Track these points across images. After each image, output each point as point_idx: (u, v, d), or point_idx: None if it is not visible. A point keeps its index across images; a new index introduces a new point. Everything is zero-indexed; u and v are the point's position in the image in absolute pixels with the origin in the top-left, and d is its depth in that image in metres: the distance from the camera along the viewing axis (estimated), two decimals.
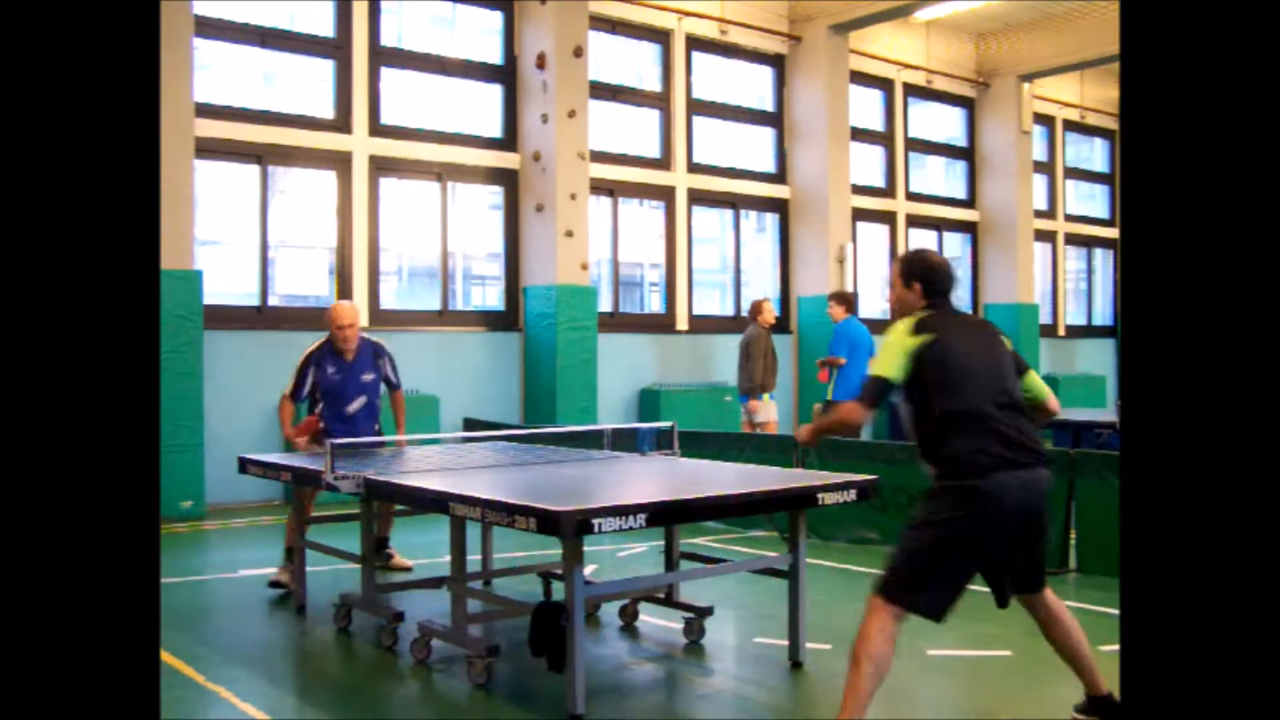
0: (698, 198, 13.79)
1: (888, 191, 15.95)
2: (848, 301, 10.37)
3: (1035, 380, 3.97)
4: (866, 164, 15.63)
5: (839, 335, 10.19)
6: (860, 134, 15.25)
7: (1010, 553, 3.68)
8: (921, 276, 3.88)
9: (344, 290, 10.95)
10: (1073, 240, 19.03)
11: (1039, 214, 17.76)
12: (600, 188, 12.64)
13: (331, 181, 11.00)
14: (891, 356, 3.69)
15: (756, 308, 10.37)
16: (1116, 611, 5.60)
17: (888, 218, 15.91)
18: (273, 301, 10.68)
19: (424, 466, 5.64)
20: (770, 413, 10.20)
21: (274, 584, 6.49)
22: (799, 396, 14.08)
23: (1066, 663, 3.99)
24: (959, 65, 16.49)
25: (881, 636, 3.55)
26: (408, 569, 6.84)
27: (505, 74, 12.09)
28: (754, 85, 14.56)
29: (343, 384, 6.62)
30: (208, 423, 9.53)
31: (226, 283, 10.45)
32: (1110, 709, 3.95)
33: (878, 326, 15.52)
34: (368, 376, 6.72)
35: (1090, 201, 19.79)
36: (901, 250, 16.05)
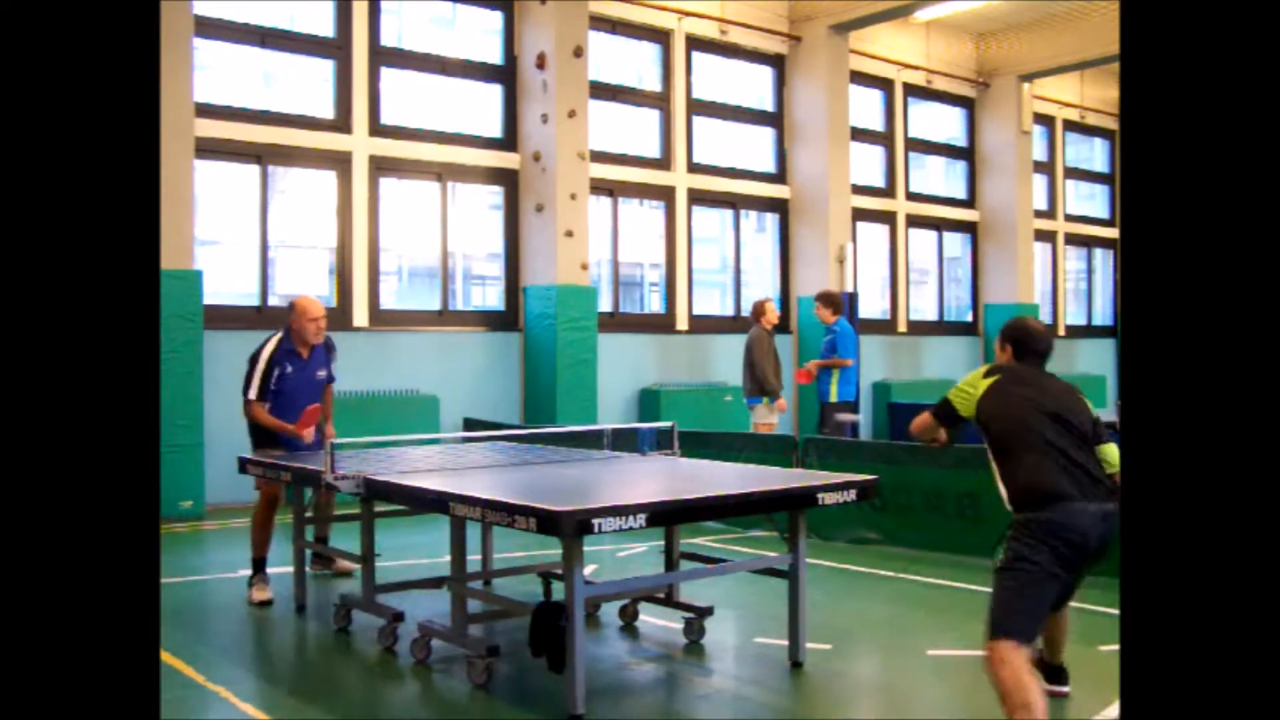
0: (698, 198, 13.79)
1: (888, 191, 15.95)
2: (835, 303, 10.36)
3: (1111, 452, 4.04)
4: (866, 164, 15.63)
5: (842, 336, 10.19)
6: (860, 134, 15.25)
7: (1076, 576, 3.88)
8: (1013, 339, 4.23)
9: (344, 290, 10.95)
10: (1073, 240, 19.03)
11: (1039, 214, 17.76)
12: (600, 188, 12.64)
13: (331, 181, 11.00)
14: (962, 391, 4.12)
15: (760, 308, 10.29)
16: (1116, 611, 5.59)
17: (888, 218, 15.92)
18: (273, 301, 10.67)
19: (424, 466, 5.64)
20: (772, 416, 10.16)
21: (261, 603, 6.22)
22: (799, 397, 14.08)
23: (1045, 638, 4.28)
24: (959, 65, 16.50)
25: (1025, 673, 3.57)
26: (349, 574, 6.77)
27: (505, 74, 12.09)
28: (754, 85, 14.56)
29: (297, 383, 6.49)
30: (208, 423, 9.52)
31: (226, 283, 10.45)
32: (1055, 674, 4.39)
33: (877, 327, 15.62)
34: (320, 374, 6.66)
35: (1090, 201, 19.79)
36: (901, 250, 16.06)
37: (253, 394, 6.39)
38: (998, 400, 3.96)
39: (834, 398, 10.17)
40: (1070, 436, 3.85)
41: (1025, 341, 4.22)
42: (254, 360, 6.47)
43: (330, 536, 7.03)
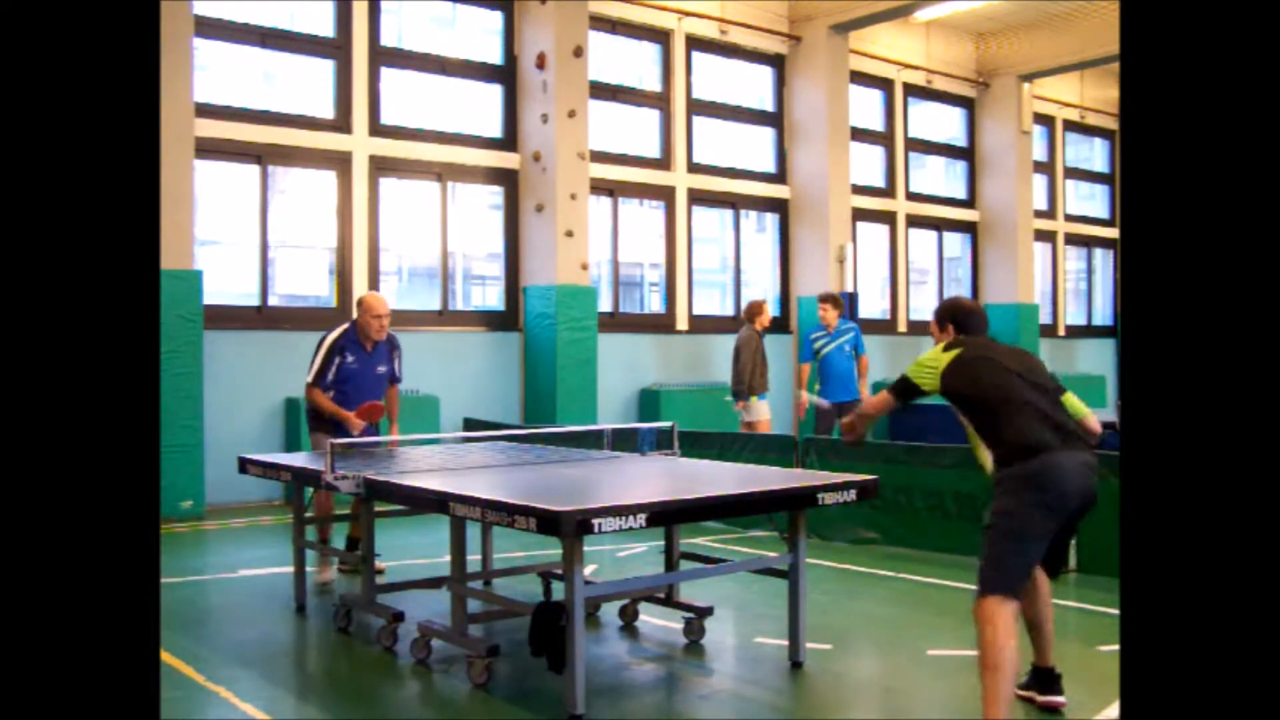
0: (698, 198, 13.79)
1: (888, 191, 15.95)
2: (839, 303, 10.42)
3: (1073, 401, 4.22)
4: (866, 164, 15.63)
5: (857, 335, 10.34)
6: (860, 134, 15.25)
7: (1059, 531, 3.92)
8: (953, 319, 4.30)
9: (344, 290, 10.95)
10: (1073, 240, 19.03)
11: (1039, 214, 17.76)
12: (600, 188, 12.64)
13: (331, 181, 11.00)
14: (923, 368, 4.12)
15: (756, 308, 10.29)
16: (1116, 611, 5.60)
17: (888, 218, 15.92)
18: (273, 301, 10.68)
19: (424, 466, 5.64)
20: (761, 411, 10.20)
21: (322, 584, 6.51)
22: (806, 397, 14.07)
23: (1027, 628, 4.17)
24: (959, 65, 16.50)
25: (1006, 634, 3.68)
26: (381, 573, 6.78)
27: (505, 74, 12.09)
28: (754, 85, 14.55)
29: (360, 374, 6.71)
30: (208, 423, 9.53)
31: (226, 283, 10.44)
32: (1050, 681, 4.32)
33: (877, 327, 15.61)
34: (382, 369, 6.85)
35: (1090, 201, 19.79)
36: (901, 250, 16.06)
37: (310, 378, 6.68)
38: (968, 370, 4.03)
39: (867, 391, 10.27)
40: (1041, 393, 3.97)
41: (965, 319, 4.31)
42: (319, 346, 6.75)
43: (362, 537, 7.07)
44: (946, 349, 4.15)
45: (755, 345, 10.06)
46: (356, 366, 6.71)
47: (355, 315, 6.84)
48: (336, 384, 6.70)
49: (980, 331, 4.30)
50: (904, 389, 4.17)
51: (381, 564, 6.79)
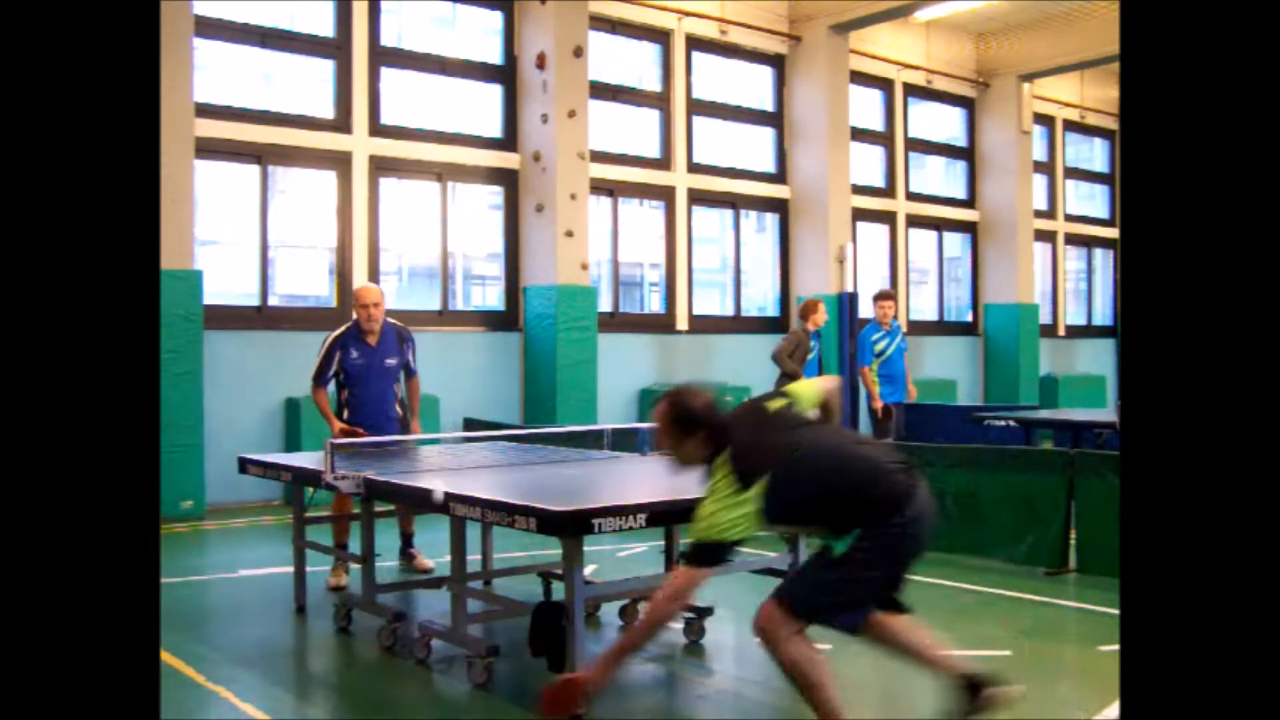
0: (698, 198, 13.79)
1: (888, 191, 15.95)
2: (896, 301, 10.46)
3: (798, 390, 3.79)
4: (866, 164, 15.63)
5: (903, 334, 10.33)
6: (860, 134, 15.25)
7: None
8: (707, 424, 3.52)
9: (344, 290, 10.95)
10: (1073, 240, 19.03)
11: (1039, 214, 17.75)
12: (600, 188, 12.63)
13: (331, 181, 11.00)
14: (738, 518, 3.34)
15: (810, 307, 9.93)
16: (1116, 611, 5.60)
17: (888, 218, 15.92)
18: (273, 301, 10.68)
19: (424, 466, 5.64)
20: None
21: (335, 588, 6.40)
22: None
23: (915, 661, 3.82)
24: (959, 65, 16.50)
25: (801, 645, 3.42)
26: (429, 570, 6.78)
27: (505, 74, 12.09)
28: (754, 85, 14.55)
29: (367, 369, 6.68)
30: (208, 423, 9.53)
31: (226, 283, 10.44)
32: (977, 685, 3.71)
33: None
34: (391, 361, 6.79)
35: (1090, 201, 19.79)
36: (902, 250, 16.05)
37: (312, 375, 6.67)
38: (794, 482, 3.38)
39: (884, 399, 10.22)
40: (864, 450, 3.53)
41: (720, 422, 3.54)
42: (323, 344, 6.73)
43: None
44: (744, 482, 3.34)
45: (796, 341, 9.88)
46: (362, 361, 6.67)
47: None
48: (346, 383, 6.68)
49: (727, 425, 3.51)
50: (719, 555, 3.38)
51: (428, 562, 6.87)
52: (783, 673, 3.44)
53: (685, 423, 3.52)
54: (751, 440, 3.46)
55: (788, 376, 9.88)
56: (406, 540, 7.01)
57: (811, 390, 3.84)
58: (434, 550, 7.02)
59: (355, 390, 6.68)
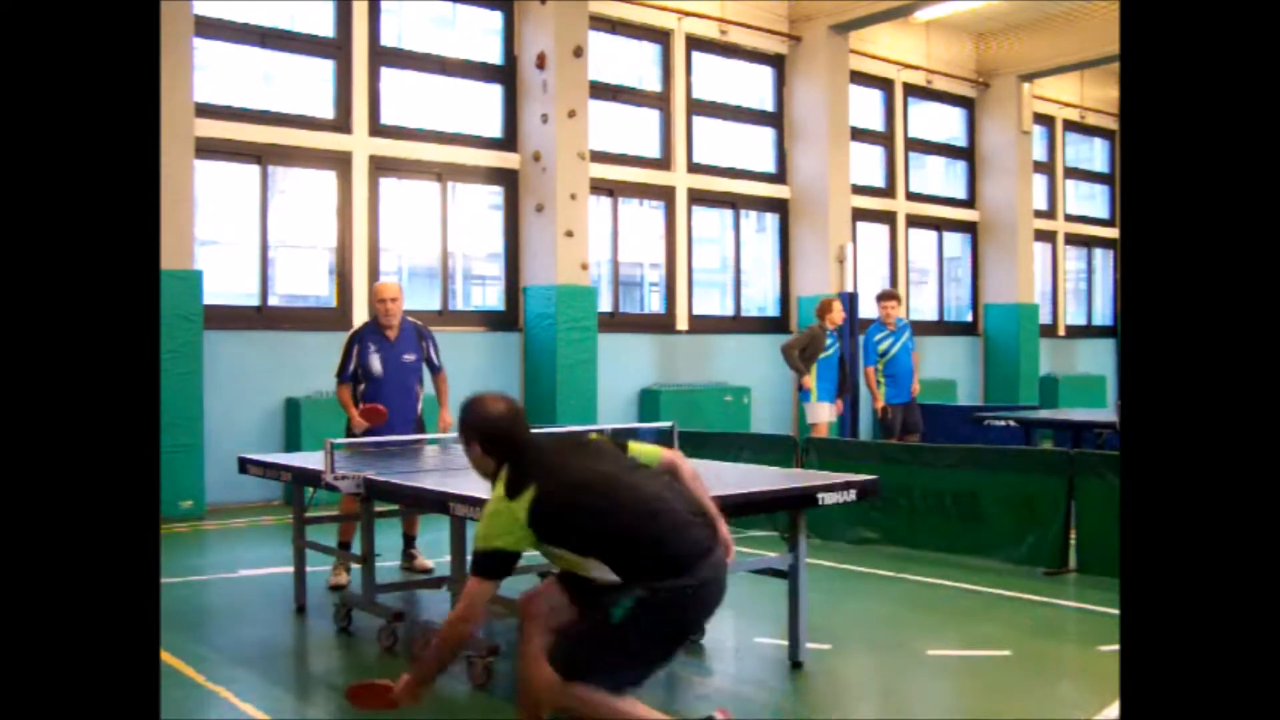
0: (698, 198, 13.79)
1: (888, 191, 15.95)
2: (900, 301, 10.42)
3: (642, 450, 3.59)
4: (866, 164, 15.62)
5: (911, 332, 10.30)
6: (860, 134, 15.25)
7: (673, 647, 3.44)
8: (485, 435, 3.42)
9: (344, 290, 10.95)
10: (1073, 240, 19.03)
11: (1039, 214, 17.76)
12: (600, 188, 12.63)
13: (331, 181, 11.00)
14: (504, 527, 3.24)
15: (826, 306, 9.95)
16: (1116, 611, 5.60)
17: (888, 218, 15.92)
18: (273, 301, 10.68)
19: (424, 466, 5.64)
20: (819, 414, 9.99)
21: (335, 587, 6.39)
22: (798, 398, 14.07)
23: None
24: (959, 65, 16.49)
25: (609, 704, 3.23)
26: (429, 570, 6.78)
27: (505, 74, 12.09)
28: (754, 85, 14.55)
29: (384, 363, 6.72)
30: (208, 423, 9.53)
31: (226, 283, 10.44)
32: None
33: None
34: (409, 357, 6.83)
35: (1090, 201, 19.79)
36: (902, 250, 16.05)
37: (335, 372, 6.78)
38: (553, 514, 3.23)
39: (889, 400, 10.20)
40: (650, 491, 3.33)
41: (498, 431, 3.40)
42: (346, 341, 6.85)
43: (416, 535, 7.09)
44: (511, 491, 3.26)
45: (810, 337, 9.86)
46: (380, 355, 6.72)
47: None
48: (365, 378, 6.72)
49: (518, 443, 3.39)
50: (497, 565, 3.25)
51: (428, 562, 6.86)
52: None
53: (468, 429, 3.45)
54: (535, 455, 3.36)
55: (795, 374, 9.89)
56: (408, 542, 7.01)
57: (651, 452, 3.60)
58: (434, 550, 7.01)
59: (373, 386, 6.72)
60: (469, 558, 3.33)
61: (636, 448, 3.56)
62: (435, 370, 7.03)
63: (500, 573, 3.25)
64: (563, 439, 3.64)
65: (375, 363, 6.71)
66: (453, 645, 3.33)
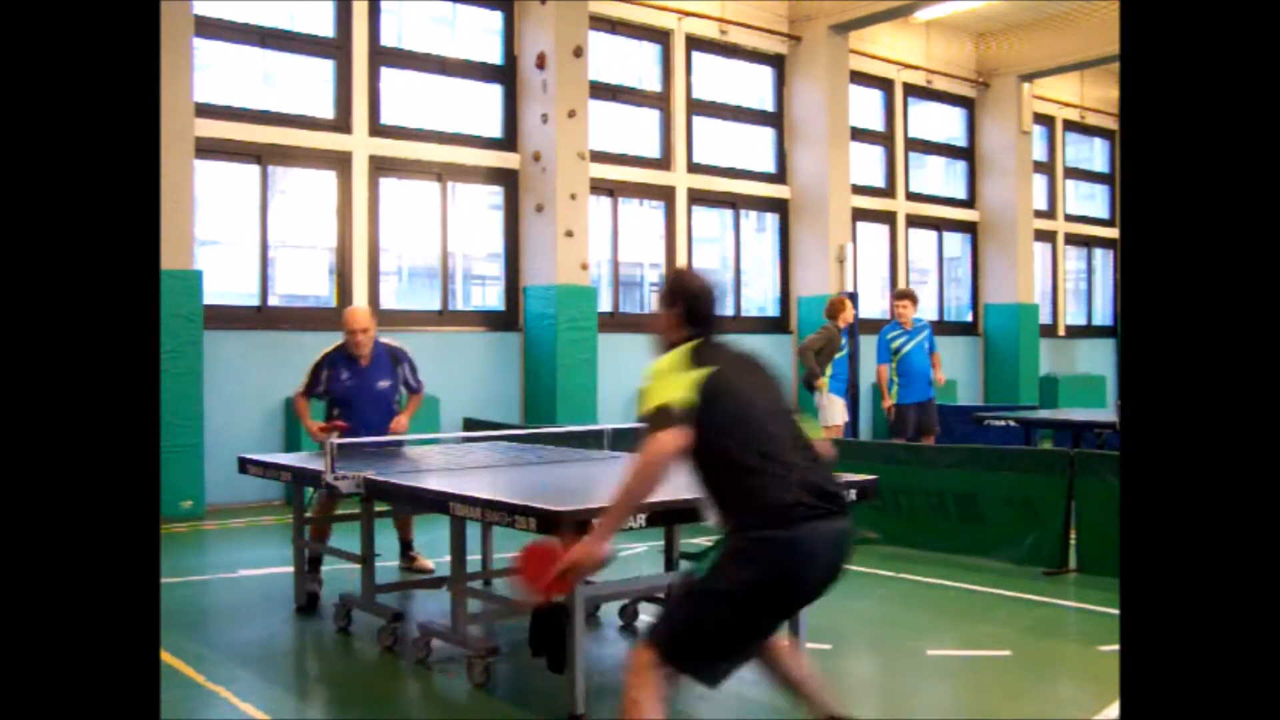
0: (698, 198, 13.79)
1: (888, 191, 15.95)
2: (916, 300, 10.38)
3: (806, 423, 3.50)
4: (866, 164, 15.63)
5: (930, 332, 10.27)
6: (860, 134, 15.25)
7: (800, 606, 3.26)
8: (689, 296, 3.40)
9: (344, 290, 10.95)
10: (1073, 240, 19.03)
11: (1039, 214, 17.76)
12: (600, 188, 12.64)
13: (331, 181, 11.00)
14: (680, 387, 3.17)
15: (838, 305, 9.91)
16: (1116, 611, 5.60)
17: (888, 218, 15.92)
18: (273, 301, 10.68)
19: (424, 466, 5.64)
20: (833, 415, 9.92)
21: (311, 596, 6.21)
22: (798, 398, 14.08)
23: (788, 688, 3.54)
24: (959, 65, 16.50)
25: (654, 701, 3.11)
26: (430, 570, 6.73)
27: (505, 74, 12.09)
28: (754, 85, 14.56)
29: (357, 390, 6.49)
30: (208, 423, 9.53)
31: (226, 283, 10.45)
32: None
33: (877, 326, 15.60)
34: (384, 384, 6.59)
35: (1090, 201, 19.79)
36: (902, 250, 16.06)
37: (299, 389, 6.57)
38: (725, 408, 3.16)
39: (898, 399, 10.16)
40: (786, 429, 3.24)
41: (698, 302, 3.38)
42: (315, 361, 6.63)
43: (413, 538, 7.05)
44: (691, 361, 3.22)
45: (828, 337, 9.83)
46: (352, 383, 6.47)
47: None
48: (336, 404, 6.48)
49: (714, 323, 3.38)
50: (665, 416, 3.13)
51: (429, 562, 6.80)
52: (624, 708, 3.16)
53: (673, 293, 3.41)
54: (725, 346, 3.36)
55: (808, 373, 9.85)
56: (406, 546, 6.96)
57: (815, 428, 3.52)
58: (434, 550, 7.01)
59: (345, 413, 6.45)
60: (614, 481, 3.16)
61: (804, 419, 3.45)
62: (414, 392, 6.79)
63: (676, 422, 3.10)
64: (752, 356, 3.48)
65: (346, 391, 6.47)
66: (639, 496, 3.22)
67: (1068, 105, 18.31)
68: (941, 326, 16.78)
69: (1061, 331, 18.70)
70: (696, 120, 13.81)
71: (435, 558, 6.89)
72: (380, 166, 11.24)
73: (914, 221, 16.31)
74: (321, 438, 6.34)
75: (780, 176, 14.62)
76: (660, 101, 13.48)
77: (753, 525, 3.09)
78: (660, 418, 3.11)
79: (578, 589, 4.11)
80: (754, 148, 14.54)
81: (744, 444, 3.13)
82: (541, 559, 3.28)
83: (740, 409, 3.17)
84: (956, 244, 17.25)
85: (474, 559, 6.07)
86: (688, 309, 3.36)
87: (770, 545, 3.05)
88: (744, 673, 5.04)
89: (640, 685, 3.10)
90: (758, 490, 3.09)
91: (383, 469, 5.38)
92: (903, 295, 10.42)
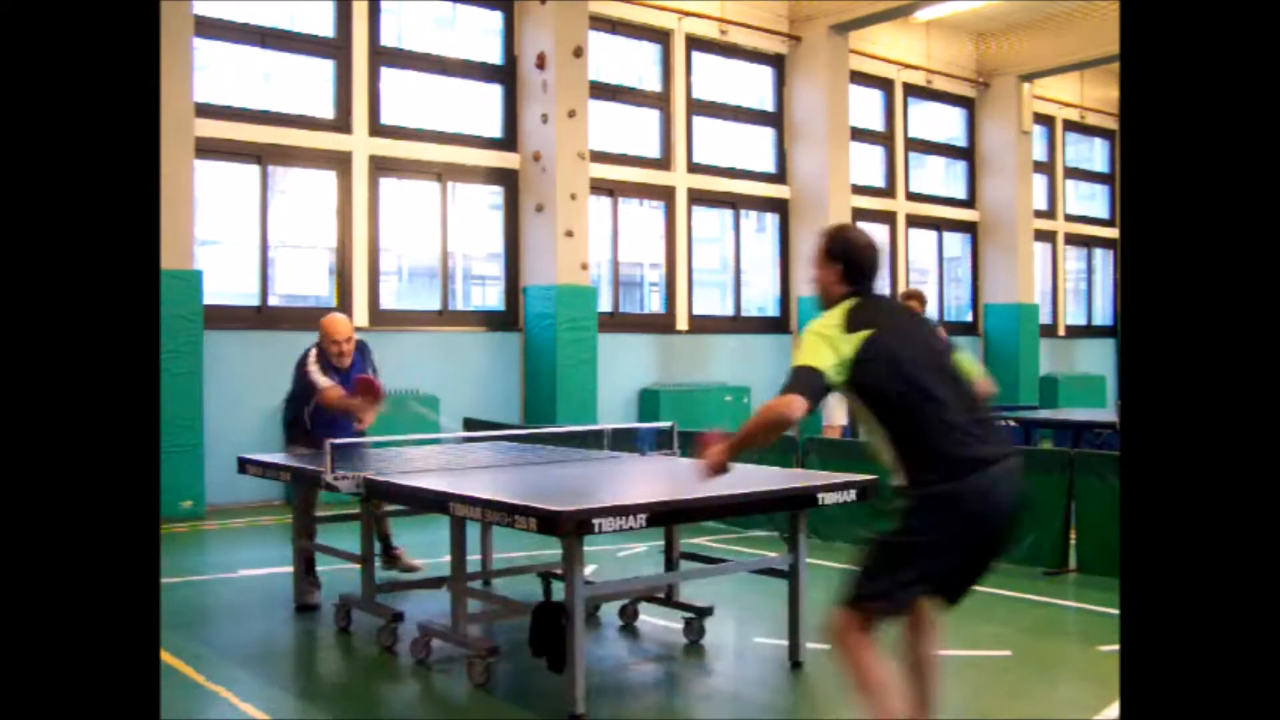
0: (698, 198, 13.79)
1: (888, 191, 15.95)
2: (924, 299, 10.36)
3: (966, 362, 3.56)
4: (866, 164, 15.63)
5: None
6: (860, 134, 15.25)
7: (978, 558, 3.39)
8: (847, 254, 3.44)
9: (344, 290, 10.95)
10: (1073, 240, 19.03)
11: (1039, 214, 17.76)
12: (600, 188, 12.63)
13: (331, 181, 11.00)
14: (830, 351, 3.23)
15: None
16: (1116, 611, 5.60)
17: (888, 218, 15.91)
18: (273, 301, 10.68)
19: (424, 466, 5.64)
20: (836, 414, 9.87)
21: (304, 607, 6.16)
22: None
23: (906, 673, 3.62)
24: (959, 65, 16.49)
25: (870, 657, 3.28)
26: (416, 569, 6.70)
27: (505, 74, 12.09)
28: (754, 85, 14.56)
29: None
30: (208, 423, 9.53)
31: (226, 283, 10.45)
32: None
33: None
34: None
35: (1090, 201, 19.79)
36: (902, 250, 16.05)
37: (325, 382, 6.18)
38: (882, 357, 3.22)
39: None
40: (950, 378, 3.32)
41: (861, 259, 3.44)
42: (302, 364, 6.33)
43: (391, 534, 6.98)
44: (853, 325, 3.27)
45: None
46: (338, 383, 6.30)
47: (318, 338, 6.42)
48: (314, 409, 6.32)
49: (874, 279, 3.46)
50: (811, 383, 3.19)
51: (414, 560, 6.72)
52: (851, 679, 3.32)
53: (834, 251, 3.46)
54: (883, 303, 3.45)
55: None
56: (386, 543, 6.88)
57: (973, 367, 3.59)
58: (434, 550, 7.01)
59: (323, 413, 6.29)
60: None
61: (961, 357, 3.53)
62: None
63: (812, 391, 3.18)
64: (904, 308, 3.70)
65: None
66: (756, 441, 3.36)
67: (1068, 105, 18.31)
68: (941, 326, 16.76)
69: (1061, 331, 18.69)
70: (696, 120, 13.81)
71: (435, 558, 6.89)
72: (380, 166, 11.25)
73: (914, 221, 16.31)
74: (371, 399, 6.17)
75: (780, 176, 14.62)
76: (660, 101, 13.48)
77: (925, 481, 3.19)
78: (797, 379, 3.20)
79: (578, 589, 4.11)
80: (754, 148, 14.54)
81: (907, 402, 3.21)
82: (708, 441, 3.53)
83: (901, 368, 3.22)
84: (956, 244, 17.25)
85: (474, 559, 6.08)
86: (847, 266, 3.41)
87: (943, 500, 3.16)
88: (743, 672, 5.06)
89: (850, 648, 3.27)
90: (926, 445, 3.19)
91: (383, 469, 5.37)
92: (911, 295, 10.46)
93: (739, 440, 3.41)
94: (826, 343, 3.25)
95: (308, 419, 6.44)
